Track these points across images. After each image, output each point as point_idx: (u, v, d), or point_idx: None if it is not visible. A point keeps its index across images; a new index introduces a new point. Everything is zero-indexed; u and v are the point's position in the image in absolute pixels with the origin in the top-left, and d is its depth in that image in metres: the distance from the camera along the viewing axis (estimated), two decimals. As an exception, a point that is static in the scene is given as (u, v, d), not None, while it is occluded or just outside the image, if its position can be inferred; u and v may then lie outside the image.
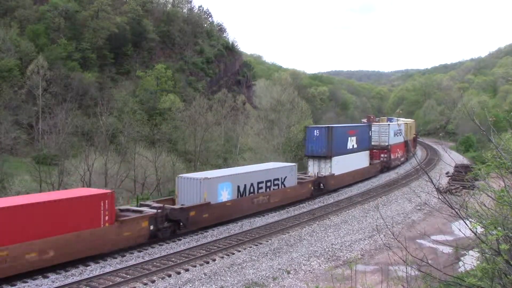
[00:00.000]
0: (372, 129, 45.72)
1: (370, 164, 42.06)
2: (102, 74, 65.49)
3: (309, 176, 33.54)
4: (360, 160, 39.13)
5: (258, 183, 26.69)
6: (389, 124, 49.37)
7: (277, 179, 28.38)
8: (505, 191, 6.94)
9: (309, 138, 34.60)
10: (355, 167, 38.07)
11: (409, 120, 74.32)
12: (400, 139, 51.75)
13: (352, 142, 37.28)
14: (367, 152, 41.22)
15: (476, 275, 6.90)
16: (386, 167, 47.22)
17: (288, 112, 62.82)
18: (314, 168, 34.53)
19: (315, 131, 34.19)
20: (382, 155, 46.36)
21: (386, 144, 47.52)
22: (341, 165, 34.94)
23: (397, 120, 70.69)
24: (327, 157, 33.96)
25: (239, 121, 67.82)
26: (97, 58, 65.45)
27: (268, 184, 27.57)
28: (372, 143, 44.90)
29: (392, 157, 48.53)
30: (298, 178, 31.27)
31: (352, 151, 37.41)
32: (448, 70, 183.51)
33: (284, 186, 28.86)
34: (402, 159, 54.01)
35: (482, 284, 6.78)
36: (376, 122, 69.84)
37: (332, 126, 35.48)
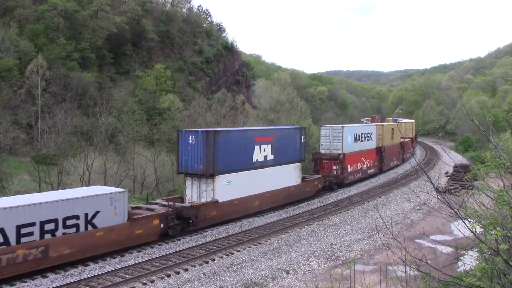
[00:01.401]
0: (322, 133, 37.06)
1: (303, 180, 31.26)
2: (102, 74, 65.47)
3: (166, 206, 21.92)
4: (281, 177, 28.25)
5: (19, 226, 15.72)
6: (343, 126, 37.02)
7: (74, 217, 17.34)
8: (504, 191, 6.95)
9: (183, 147, 24.01)
10: (270, 188, 27.16)
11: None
12: (369, 145, 40.92)
13: (263, 153, 26.72)
14: (296, 166, 30.15)
15: (475, 275, 6.91)
16: (337, 184, 35.88)
17: (288, 112, 62.88)
18: (192, 192, 24.27)
19: (190, 137, 23.61)
20: (334, 167, 35.66)
21: (339, 152, 35.80)
22: (237, 186, 24.54)
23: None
24: (207, 175, 23.32)
25: (238, 121, 67.73)
26: (96, 58, 65.43)
27: (50, 226, 16.53)
28: (322, 151, 36.61)
29: (350, 169, 37.04)
30: (145, 209, 21.67)
31: (264, 164, 26.85)
32: (447, 70, 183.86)
33: (93, 226, 17.82)
34: (371, 171, 42.06)
35: (481, 284, 6.79)
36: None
37: (215, 130, 24.33)
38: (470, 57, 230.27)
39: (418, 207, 30.23)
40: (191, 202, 23.61)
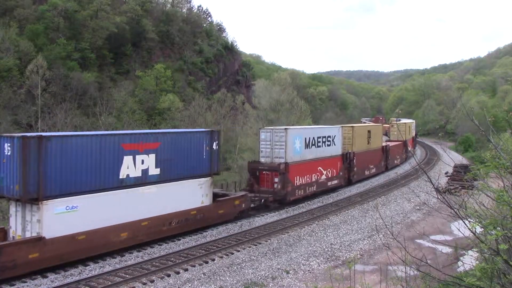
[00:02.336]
0: (261, 137, 29.80)
1: (216, 200, 23.85)
2: (102, 74, 65.42)
3: None
4: (174, 198, 21.08)
5: None
6: (286, 129, 29.37)
7: None
8: (504, 191, 6.96)
9: None
10: (153, 213, 19.96)
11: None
12: (330, 151, 33.83)
13: (140, 165, 19.48)
14: (203, 181, 22.72)
15: (475, 275, 6.91)
16: (277, 201, 28.62)
17: (288, 112, 62.91)
18: (17, 222, 17.20)
19: (6, 145, 16.53)
20: (276, 180, 28.55)
21: (281, 161, 28.53)
22: (86, 214, 17.41)
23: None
24: (26, 200, 16.28)
25: (238, 121, 67.83)
26: (96, 58, 65.40)
27: None
28: (261, 159, 29.56)
29: (298, 182, 29.84)
30: None
31: (142, 181, 19.60)
32: (447, 70, 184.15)
33: None
34: (334, 182, 34.69)
35: (481, 284, 6.79)
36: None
37: (41, 136, 16.57)
38: (470, 57, 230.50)
39: (418, 207, 30.25)
40: None
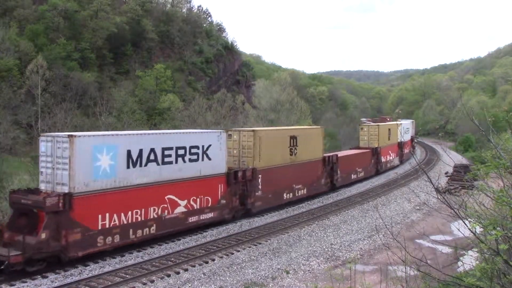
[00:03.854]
0: (42, 149, 18.90)
1: None
2: (102, 74, 65.47)
3: None
4: None
5: None
6: (70, 136, 17.17)
7: None
8: (504, 191, 6.97)
9: None
10: None
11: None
12: (196, 169, 21.98)
13: None
14: None
15: (475, 275, 6.93)
16: (40, 261, 16.25)
17: (288, 112, 62.96)
18: None
19: None
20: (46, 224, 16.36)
21: (65, 190, 16.94)
22: None
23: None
24: None
25: (238, 121, 67.80)
26: (96, 58, 65.43)
27: None
28: (41, 186, 18.52)
29: (106, 224, 17.96)
30: None
31: None
32: (447, 70, 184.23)
33: None
34: (207, 217, 22.91)
35: (481, 284, 6.80)
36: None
37: None
38: (470, 57, 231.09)
39: (418, 207, 30.26)
40: None
